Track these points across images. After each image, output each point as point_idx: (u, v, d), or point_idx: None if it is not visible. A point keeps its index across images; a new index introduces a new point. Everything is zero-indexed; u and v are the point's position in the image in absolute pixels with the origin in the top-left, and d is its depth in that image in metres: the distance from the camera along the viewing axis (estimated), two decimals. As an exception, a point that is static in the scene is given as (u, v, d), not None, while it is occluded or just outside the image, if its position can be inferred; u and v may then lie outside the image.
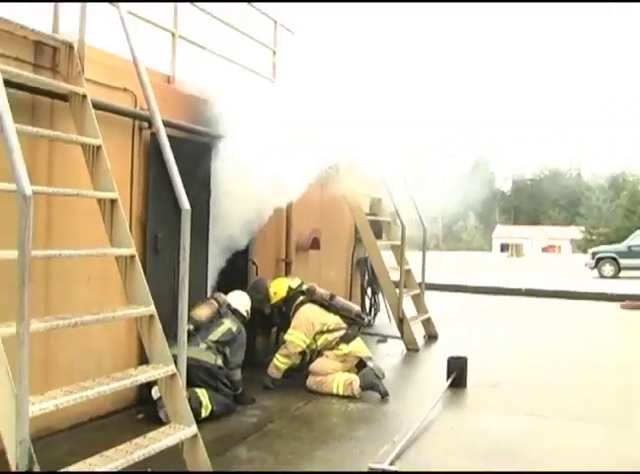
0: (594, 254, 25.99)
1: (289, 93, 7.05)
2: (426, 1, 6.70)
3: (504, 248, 64.18)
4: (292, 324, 6.91)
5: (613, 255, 25.31)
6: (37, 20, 4.90)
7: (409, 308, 9.86)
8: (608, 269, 25.05)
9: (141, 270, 4.55)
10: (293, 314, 7.00)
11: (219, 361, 5.83)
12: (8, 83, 4.00)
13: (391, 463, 4.59)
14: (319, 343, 6.82)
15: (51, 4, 5.11)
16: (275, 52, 8.60)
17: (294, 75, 7.21)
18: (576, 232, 67.29)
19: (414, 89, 6.48)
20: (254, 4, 8.10)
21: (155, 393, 5.19)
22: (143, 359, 4.86)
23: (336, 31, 7.35)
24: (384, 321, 10.65)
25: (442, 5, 6.53)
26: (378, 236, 10.17)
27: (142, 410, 5.61)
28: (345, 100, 6.80)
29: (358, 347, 6.92)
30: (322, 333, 6.85)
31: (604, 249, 27.08)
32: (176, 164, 4.64)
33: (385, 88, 6.66)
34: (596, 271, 25.19)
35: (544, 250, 64.70)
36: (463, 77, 6.34)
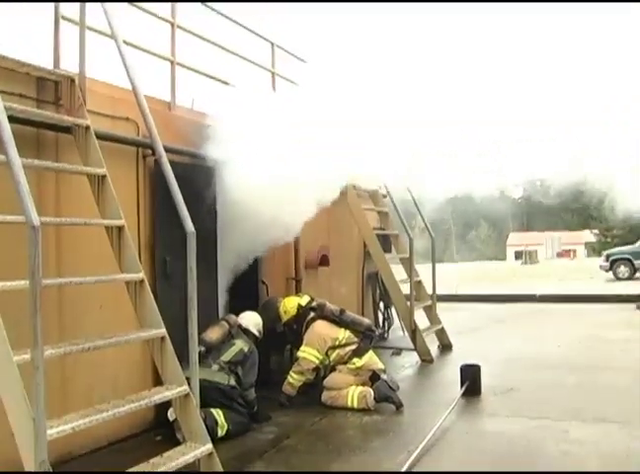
0: (608, 256, 25.87)
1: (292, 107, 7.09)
2: (428, 1, 6.76)
3: (518, 255, 63.86)
4: (304, 341, 6.98)
5: (628, 256, 25.18)
6: (38, 56, 5.08)
7: (422, 320, 9.91)
8: (623, 270, 24.92)
9: (151, 294, 4.67)
10: (305, 331, 7.07)
11: (232, 382, 5.90)
12: (13, 119, 4.14)
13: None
14: (332, 358, 6.88)
15: (51, 41, 5.27)
16: (273, 74, 8.76)
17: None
18: (590, 235, 66.88)
19: (415, 89, 6.50)
20: (253, 29, 8.29)
21: (171, 415, 5.27)
22: (158, 382, 4.95)
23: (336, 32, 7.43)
24: (398, 334, 10.71)
25: (444, 5, 6.61)
26: (387, 250, 10.25)
27: (160, 432, 5.69)
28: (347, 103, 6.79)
29: (370, 360, 6.98)
30: (334, 348, 6.91)
31: (618, 251, 26.92)
32: (180, 188, 4.77)
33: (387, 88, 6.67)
34: (611, 273, 25.07)
35: (559, 255, 64.29)
36: (465, 77, 6.38)
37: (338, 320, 7.10)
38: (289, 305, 7.29)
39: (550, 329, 12.04)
